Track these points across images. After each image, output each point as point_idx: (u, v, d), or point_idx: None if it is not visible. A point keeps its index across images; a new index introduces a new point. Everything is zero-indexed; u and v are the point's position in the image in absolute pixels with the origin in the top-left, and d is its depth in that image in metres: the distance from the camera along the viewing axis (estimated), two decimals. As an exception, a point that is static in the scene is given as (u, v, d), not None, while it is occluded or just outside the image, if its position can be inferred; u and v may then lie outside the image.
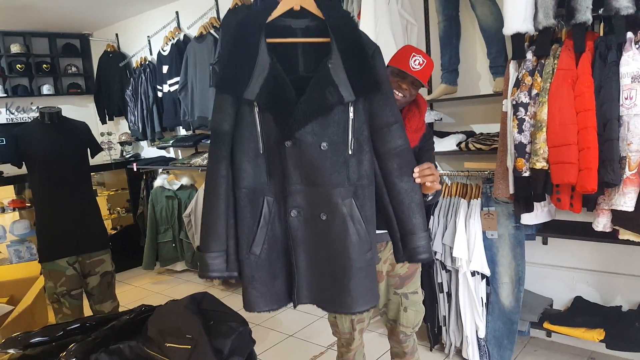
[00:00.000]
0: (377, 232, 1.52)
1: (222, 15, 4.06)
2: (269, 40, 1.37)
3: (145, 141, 5.10)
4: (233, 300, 3.65)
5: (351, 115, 1.38)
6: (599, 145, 1.91)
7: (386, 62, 2.52)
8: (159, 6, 4.69)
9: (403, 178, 1.46)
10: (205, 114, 4.06)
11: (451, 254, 2.50)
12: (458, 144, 2.63)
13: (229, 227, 1.44)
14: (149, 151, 5.18)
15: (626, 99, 1.86)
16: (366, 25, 2.67)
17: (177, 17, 4.53)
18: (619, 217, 1.98)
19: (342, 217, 1.39)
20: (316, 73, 1.35)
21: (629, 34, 1.89)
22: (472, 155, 2.59)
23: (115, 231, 5.02)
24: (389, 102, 1.43)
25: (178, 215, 4.43)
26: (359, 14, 2.76)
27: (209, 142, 4.07)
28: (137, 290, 4.32)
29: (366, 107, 1.41)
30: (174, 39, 4.41)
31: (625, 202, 1.89)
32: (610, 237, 2.11)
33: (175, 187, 4.52)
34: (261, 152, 1.40)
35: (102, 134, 5.25)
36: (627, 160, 1.87)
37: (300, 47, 1.43)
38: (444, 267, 2.59)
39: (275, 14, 1.38)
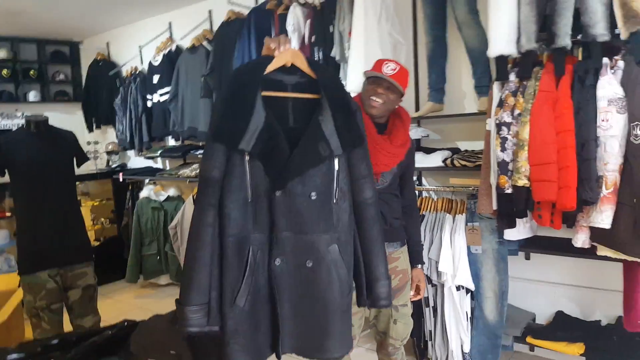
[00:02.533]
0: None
1: (214, 28, 4.11)
2: (264, 93, 1.43)
3: (132, 151, 5.09)
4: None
5: (336, 167, 1.46)
6: (577, 165, 1.99)
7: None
8: (151, 16, 4.73)
9: (373, 227, 1.55)
10: (195, 124, 4.09)
11: (437, 268, 2.55)
12: (444, 160, 2.70)
13: (213, 277, 1.43)
14: (136, 161, 5.17)
15: (603, 120, 1.95)
16: (356, 44, 2.75)
17: (170, 27, 4.58)
18: (597, 234, 2.06)
19: (327, 263, 1.45)
20: (308, 127, 1.43)
21: (605, 60, 1.99)
22: (457, 171, 2.66)
23: (99, 243, 4.97)
24: (366, 156, 1.54)
25: (164, 227, 4.40)
26: (349, 33, 2.84)
27: (197, 152, 4.16)
28: (119, 304, 4.26)
29: (347, 159, 1.50)
30: (166, 49, 4.44)
31: (602, 219, 1.96)
32: (589, 253, 2.18)
33: (162, 198, 4.50)
34: (249, 200, 1.43)
35: (88, 143, 5.21)
36: (604, 179, 1.95)
37: (290, 101, 1.50)
38: (429, 281, 2.64)
39: (270, 68, 1.45)
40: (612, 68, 1.97)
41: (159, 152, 4.57)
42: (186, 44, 4.31)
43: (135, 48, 4.89)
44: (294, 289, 1.46)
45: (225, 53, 3.76)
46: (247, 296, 1.42)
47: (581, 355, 2.38)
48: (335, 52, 3.00)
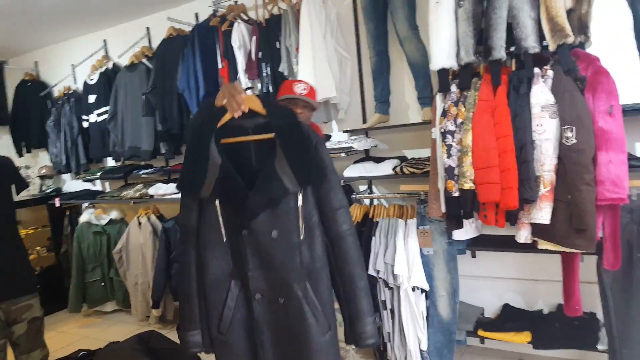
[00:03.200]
0: None
1: (154, 44, 4.05)
2: (224, 140, 1.50)
3: (68, 174, 4.86)
4: (172, 338, 3.56)
5: (300, 202, 1.49)
6: (517, 167, 2.17)
7: (321, 95, 2.73)
8: (84, 34, 4.57)
9: (351, 260, 1.56)
10: (137, 143, 3.99)
11: (393, 271, 2.65)
12: (393, 168, 2.82)
13: (201, 308, 1.55)
14: (72, 184, 4.92)
15: (537, 125, 2.14)
16: (304, 59, 2.83)
17: (105, 45, 4.44)
18: (537, 230, 2.23)
19: (297, 300, 1.49)
20: (263, 168, 1.47)
21: (536, 69, 2.19)
22: (406, 178, 2.79)
23: (36, 272, 4.67)
24: (334, 188, 1.56)
25: (107, 252, 4.24)
26: (297, 48, 2.92)
27: (140, 172, 4.06)
28: (63, 335, 4.01)
29: (314, 193, 1.53)
30: (102, 67, 4.31)
31: (542, 215, 2.14)
32: (530, 247, 2.36)
33: (104, 222, 4.33)
34: (224, 240, 1.50)
35: (19, 168, 4.90)
36: (542, 179, 2.13)
37: (251, 144, 1.55)
38: (386, 284, 2.73)
39: (226, 117, 1.50)
40: (542, 77, 2.16)
41: (98, 173, 4.39)
42: (124, 62, 4.20)
43: (68, 67, 4.69)
44: (273, 324, 1.51)
45: (167, 70, 3.71)
46: (229, 327, 1.50)
47: (528, 343, 2.56)
48: (283, 68, 3.06)
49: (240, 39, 3.24)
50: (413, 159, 2.94)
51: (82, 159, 4.47)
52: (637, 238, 2.15)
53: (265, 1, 3.22)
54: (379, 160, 2.98)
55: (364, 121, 3.16)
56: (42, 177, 4.91)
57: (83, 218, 4.37)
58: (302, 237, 1.49)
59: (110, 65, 4.33)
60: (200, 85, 3.42)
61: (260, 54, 3.18)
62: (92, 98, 4.31)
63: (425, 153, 3.00)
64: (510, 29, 2.19)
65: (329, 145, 3.02)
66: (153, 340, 1.63)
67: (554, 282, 2.72)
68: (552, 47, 2.10)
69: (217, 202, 1.48)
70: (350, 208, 2.94)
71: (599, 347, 2.36)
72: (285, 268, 1.48)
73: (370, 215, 2.85)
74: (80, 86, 4.54)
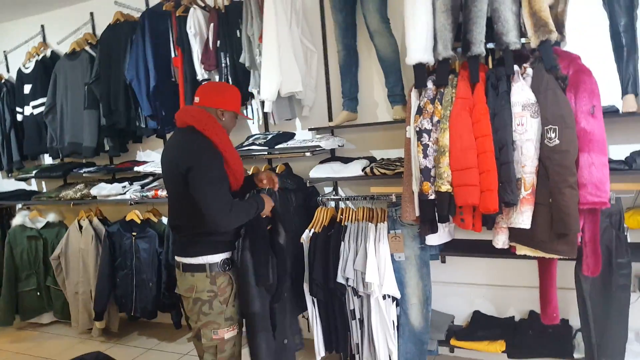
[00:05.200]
0: None
1: (98, 31, 3.71)
2: None
3: (-1, 172, 4.40)
4: (118, 352, 3.26)
5: None
6: (497, 168, 2.05)
7: (287, 89, 2.79)
8: (18, 18, 4.13)
9: None
10: (78, 139, 3.64)
11: (363, 279, 2.49)
12: (363, 169, 2.66)
13: None
14: (4, 184, 4.45)
15: (518, 125, 2.04)
16: (269, 50, 2.62)
17: (43, 30, 4.04)
18: (516, 234, 2.14)
19: None
20: None
21: (516, 67, 2.09)
22: (377, 180, 2.64)
23: (-40, 281, 4.18)
24: None
25: (44, 258, 3.83)
26: (260, 37, 2.70)
27: (81, 171, 3.70)
28: (-8, 351, 3.62)
29: None
30: (38, 55, 3.91)
31: (523, 220, 2.04)
32: (506, 253, 2.27)
33: (40, 225, 3.92)
34: None
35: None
36: (522, 181, 2.03)
37: None
38: (355, 293, 2.56)
39: None
40: (522, 75, 2.07)
41: (34, 172, 3.97)
42: (64, 49, 3.82)
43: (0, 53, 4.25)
44: None
45: (113, 59, 3.40)
46: None
47: (503, 352, 2.47)
48: (244, 58, 2.83)
49: (196, 26, 2.98)
50: (382, 159, 2.79)
51: (15, 155, 4.07)
52: (616, 243, 2.09)
53: (225, -13, 2.98)
54: (346, 160, 2.82)
55: (330, 119, 2.98)
56: (-33, 176, 4.41)
57: (16, 221, 3.94)
58: None
59: (48, 52, 3.93)
60: (151, 75, 3.13)
61: (218, 43, 2.93)
62: (27, 88, 3.91)
63: (394, 153, 2.86)
64: (489, 23, 2.08)
65: (293, 143, 2.82)
66: (99, 362, 1.38)
67: (526, 288, 2.65)
68: (534, 44, 2.00)
69: None
70: (316, 211, 2.76)
71: (576, 355, 2.29)
72: None
73: (338, 219, 2.67)
74: (13, 75, 4.11)
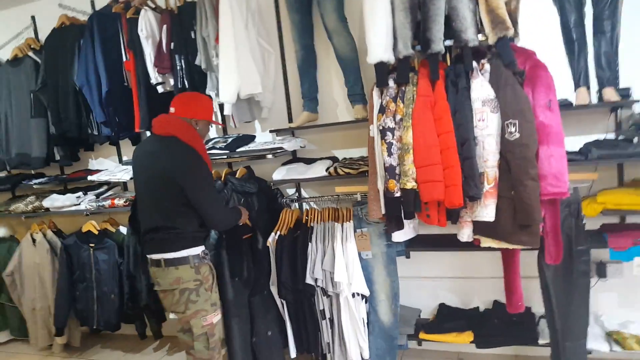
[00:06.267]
0: None
1: (42, 35, 3.52)
2: None
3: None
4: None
5: None
6: (460, 164, 2.08)
7: (246, 92, 2.77)
8: (-49, 22, 3.85)
9: None
10: (26, 150, 3.45)
11: (332, 279, 2.48)
12: (327, 170, 2.64)
13: None
14: (-56, 199, 4.16)
15: (479, 120, 2.07)
16: (226, 51, 2.56)
17: (-20, 36, 3.79)
18: (480, 227, 2.17)
19: None
20: None
21: (474, 63, 2.12)
22: (341, 179, 2.63)
23: None
24: None
25: (-5, 275, 3.62)
26: (216, 39, 2.63)
27: (31, 182, 3.50)
28: (-61, 378, 3.39)
29: None
30: (-23, 62, 3.66)
31: (487, 213, 2.08)
32: (469, 246, 2.30)
33: (-12, 240, 3.70)
34: None
35: None
36: (485, 175, 2.07)
37: None
38: (325, 293, 2.55)
39: None
40: (480, 71, 2.10)
41: (-22, 185, 3.73)
42: (5, 55, 3.60)
43: None
44: None
45: (60, 64, 3.23)
46: None
47: (471, 342, 2.52)
48: (200, 60, 2.75)
49: (148, 28, 2.87)
50: (345, 159, 2.78)
51: (-44, 168, 3.78)
52: (576, 231, 2.17)
53: (176, -13, 2.88)
54: (309, 161, 2.79)
55: (290, 120, 2.95)
56: None
57: (-39, 238, 3.70)
58: None
59: (-13, 59, 3.70)
60: (103, 80, 3.00)
61: (172, 45, 2.83)
62: (-34, 97, 3.65)
63: (356, 153, 2.86)
64: (446, 21, 2.11)
65: (255, 146, 2.77)
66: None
67: (489, 279, 2.72)
68: (492, 40, 2.04)
69: None
70: (281, 213, 2.73)
71: (541, 341, 2.37)
72: None
73: (304, 221, 2.65)
74: (-51, 83, 3.82)
